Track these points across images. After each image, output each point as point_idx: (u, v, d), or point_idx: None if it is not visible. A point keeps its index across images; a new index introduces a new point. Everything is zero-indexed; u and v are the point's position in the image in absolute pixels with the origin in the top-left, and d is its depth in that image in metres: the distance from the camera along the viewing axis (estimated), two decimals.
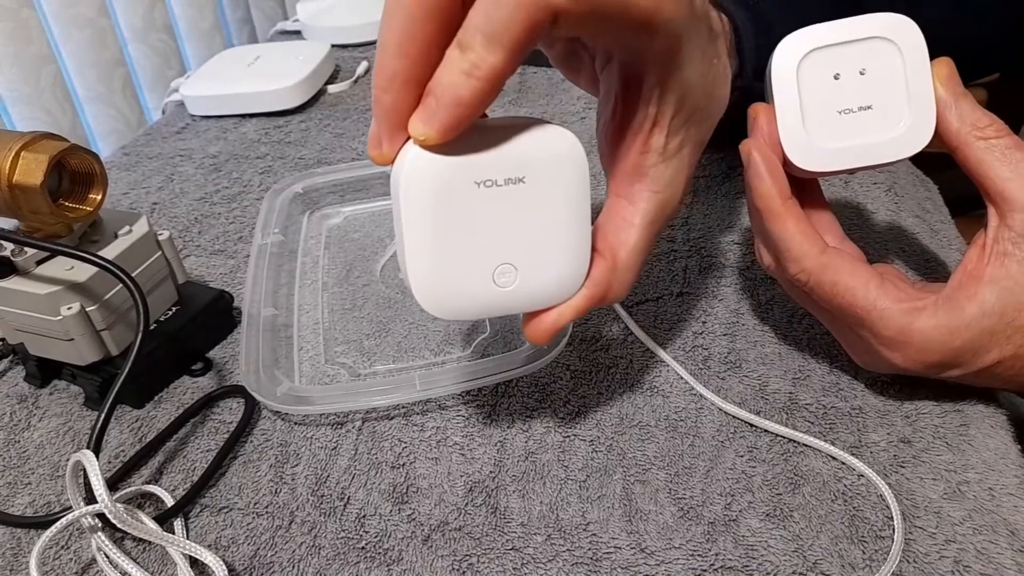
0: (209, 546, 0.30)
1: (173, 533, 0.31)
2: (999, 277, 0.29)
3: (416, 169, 0.24)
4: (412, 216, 0.25)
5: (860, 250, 0.33)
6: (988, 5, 0.46)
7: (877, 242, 0.44)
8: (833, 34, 0.31)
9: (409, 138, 0.24)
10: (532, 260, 0.26)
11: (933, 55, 0.31)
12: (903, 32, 0.31)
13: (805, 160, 0.32)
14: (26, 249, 0.35)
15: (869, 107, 0.31)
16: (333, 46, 0.75)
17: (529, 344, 0.38)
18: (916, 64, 0.31)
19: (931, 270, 0.41)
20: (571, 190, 0.26)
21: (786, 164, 0.32)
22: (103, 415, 0.31)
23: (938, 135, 0.31)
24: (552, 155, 0.25)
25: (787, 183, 0.31)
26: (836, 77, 0.31)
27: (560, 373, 0.37)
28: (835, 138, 0.32)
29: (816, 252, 0.31)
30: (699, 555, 0.29)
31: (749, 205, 0.33)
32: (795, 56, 0.31)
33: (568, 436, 0.34)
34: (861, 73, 0.31)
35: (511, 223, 0.25)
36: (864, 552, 0.29)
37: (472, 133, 0.24)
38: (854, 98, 0.31)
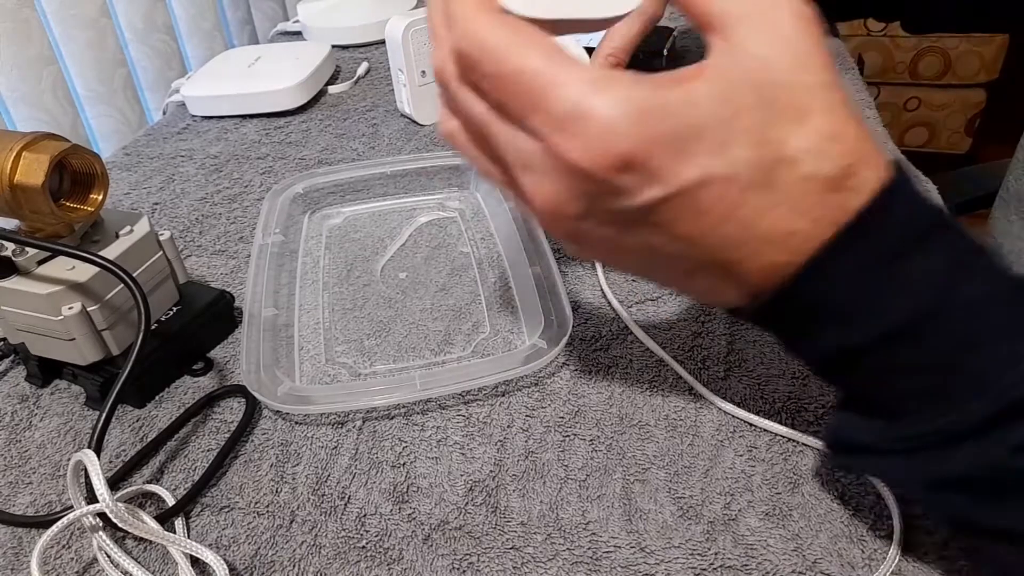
0: (210, 545, 0.30)
1: (174, 532, 0.31)
2: (716, 77, 0.22)
3: None
4: None
5: None
6: None
7: None
8: None
9: None
10: None
11: None
12: None
13: (518, 2, 0.25)
14: (27, 249, 0.35)
15: None
16: (333, 47, 0.75)
17: (529, 344, 0.38)
18: None
19: None
20: None
21: None
22: (104, 415, 0.31)
23: None
24: None
25: None
26: None
27: (560, 373, 0.38)
28: None
29: (487, 9, 0.24)
30: (699, 554, 0.29)
31: None
32: None
33: (568, 436, 0.34)
34: None
35: None
36: (863, 551, 0.29)
37: None
38: None
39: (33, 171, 0.33)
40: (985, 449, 0.22)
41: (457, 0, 0.24)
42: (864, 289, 0.23)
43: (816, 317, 0.24)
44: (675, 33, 0.69)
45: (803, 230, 0.23)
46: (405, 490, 0.33)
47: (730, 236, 0.23)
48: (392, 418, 0.36)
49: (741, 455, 0.33)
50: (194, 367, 0.40)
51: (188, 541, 0.30)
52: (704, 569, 0.29)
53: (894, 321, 0.23)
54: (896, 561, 0.28)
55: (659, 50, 0.66)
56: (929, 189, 0.49)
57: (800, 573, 0.28)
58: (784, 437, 0.33)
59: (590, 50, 0.28)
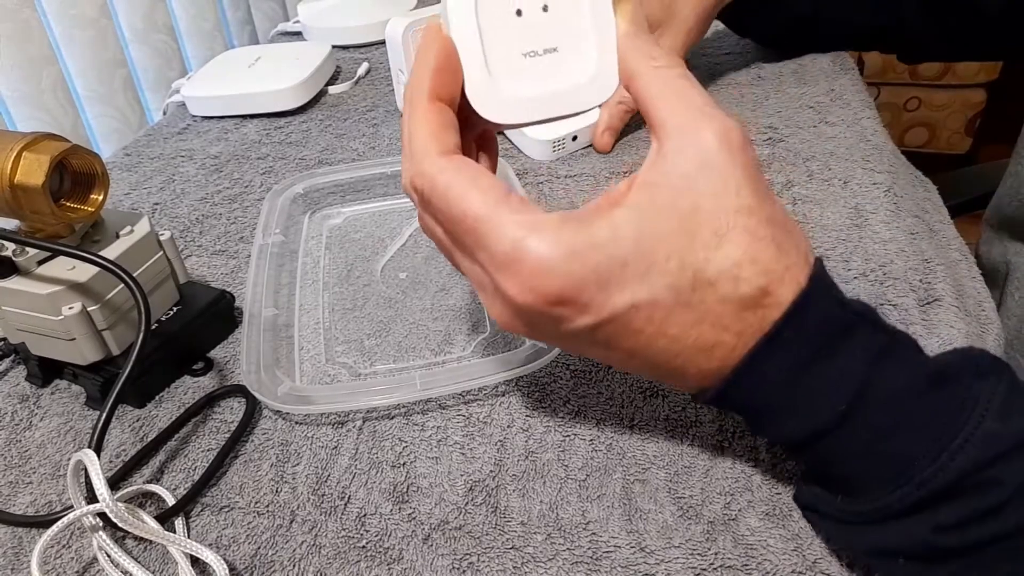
0: (210, 545, 0.30)
1: (174, 532, 0.31)
2: (642, 204, 0.25)
3: None
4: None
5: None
6: None
7: (876, 242, 0.44)
8: None
9: None
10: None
11: None
12: None
13: (491, 109, 0.28)
14: (27, 249, 0.35)
15: (554, 49, 0.28)
16: (334, 47, 0.75)
17: (529, 344, 0.38)
18: (600, 1, 0.28)
19: (930, 270, 0.41)
20: None
21: (468, 111, 0.28)
22: (104, 414, 0.31)
23: (622, 72, 0.28)
24: None
25: (447, 87, 0.27)
26: (519, 13, 0.28)
27: (560, 373, 0.38)
28: (521, 84, 0.28)
29: (437, 152, 0.26)
30: (699, 554, 0.29)
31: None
32: None
33: (568, 435, 0.34)
34: (544, 9, 0.28)
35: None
36: None
37: None
38: (539, 38, 0.28)
39: (33, 171, 0.33)
40: (912, 529, 0.25)
41: (415, 136, 0.27)
42: (788, 392, 0.26)
43: (754, 415, 0.28)
44: None
45: (727, 342, 0.25)
46: (405, 490, 0.33)
47: (665, 348, 0.26)
48: (392, 418, 0.36)
49: (741, 455, 0.33)
50: (194, 367, 0.40)
51: (188, 541, 0.30)
52: (704, 569, 0.29)
53: (819, 420, 0.26)
54: None
55: None
56: (930, 189, 0.49)
57: (800, 573, 0.28)
58: None
59: None
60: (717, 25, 0.76)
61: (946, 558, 0.25)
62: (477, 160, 0.31)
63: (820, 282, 0.26)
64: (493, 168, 0.33)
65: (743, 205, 0.25)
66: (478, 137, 0.31)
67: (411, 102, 0.27)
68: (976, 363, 0.26)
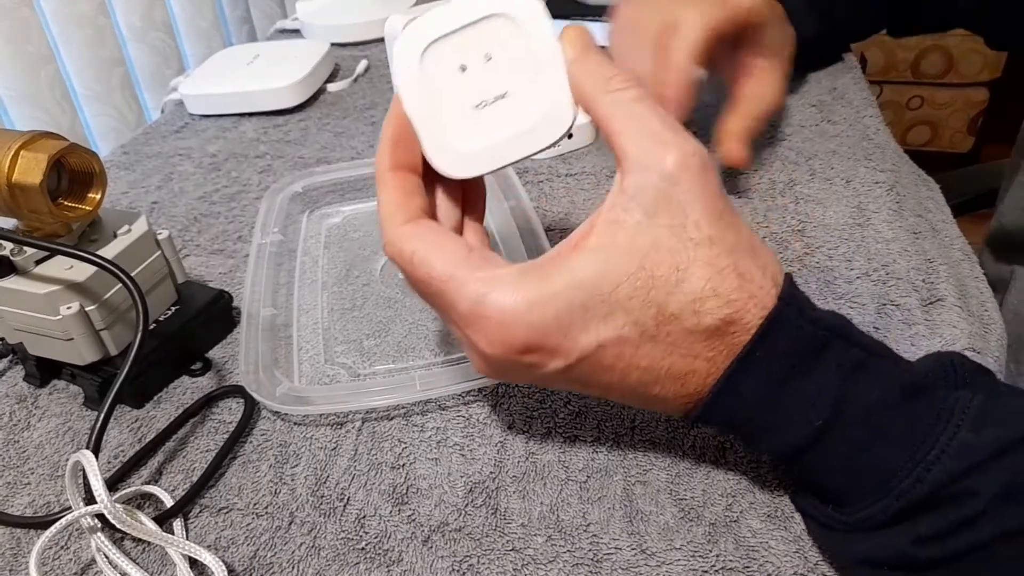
0: (209, 547, 0.30)
1: (172, 533, 0.31)
2: (601, 246, 0.25)
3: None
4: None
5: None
6: None
7: (878, 241, 0.44)
8: (447, 21, 0.28)
9: None
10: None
11: None
12: (520, 3, 0.27)
13: (450, 167, 0.29)
14: (25, 248, 0.35)
15: (504, 95, 0.28)
16: (332, 45, 0.75)
17: None
18: (541, 36, 0.27)
19: (932, 270, 0.41)
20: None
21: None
22: (102, 415, 0.31)
23: (577, 101, 0.28)
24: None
25: (406, 155, 0.29)
26: (463, 69, 0.28)
27: None
28: (477, 138, 0.29)
29: (400, 220, 0.28)
30: (700, 556, 0.29)
31: None
32: (414, 55, 0.28)
33: (569, 437, 0.34)
34: (488, 59, 0.28)
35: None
36: None
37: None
38: (487, 88, 0.28)
39: (31, 170, 0.33)
40: (893, 540, 0.25)
41: (382, 208, 0.28)
42: (766, 410, 0.26)
43: (738, 432, 0.28)
44: None
45: (700, 369, 0.26)
46: (405, 491, 0.33)
47: (640, 380, 0.26)
48: (392, 419, 0.36)
49: (742, 457, 0.32)
50: (192, 367, 0.40)
51: (186, 542, 0.30)
52: (705, 571, 0.28)
53: (799, 435, 0.26)
54: None
55: None
56: (932, 188, 0.49)
57: (802, 575, 0.28)
58: None
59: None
60: None
61: (927, 568, 0.25)
62: (464, 204, 0.32)
63: (789, 302, 0.26)
64: (481, 208, 0.33)
65: (703, 238, 0.25)
66: (464, 188, 0.32)
67: (377, 176, 0.29)
68: (952, 371, 0.27)
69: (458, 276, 0.26)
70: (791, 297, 0.26)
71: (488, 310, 0.25)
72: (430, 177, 0.30)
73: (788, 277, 0.27)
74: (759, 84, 0.47)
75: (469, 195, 0.32)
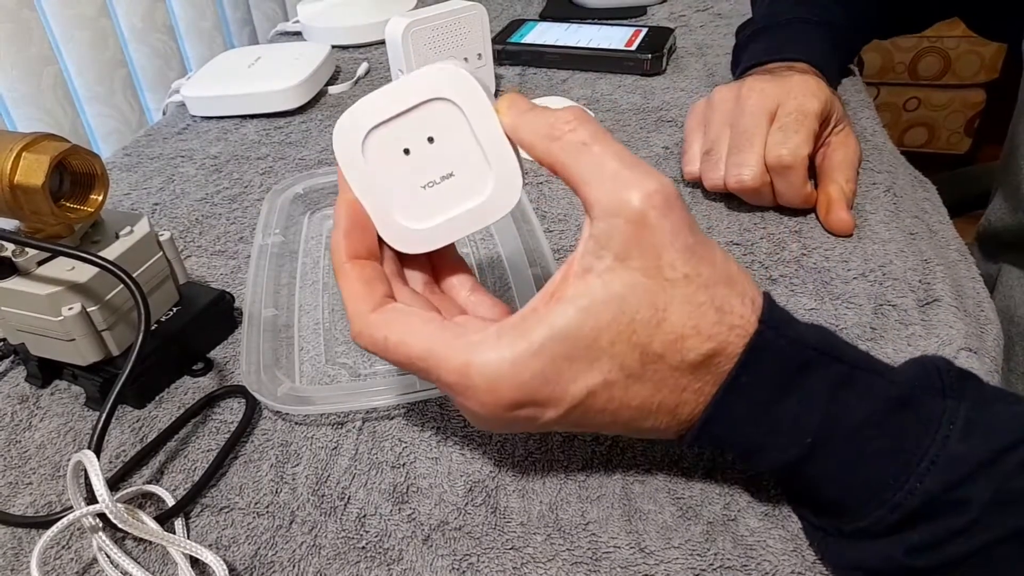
0: (210, 546, 0.30)
1: (174, 533, 0.31)
2: (577, 295, 0.25)
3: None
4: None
5: (502, 305, 0.31)
6: None
7: (875, 242, 0.44)
8: (387, 106, 0.28)
9: None
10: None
11: None
12: (458, 85, 0.27)
13: (406, 245, 0.30)
14: (27, 250, 0.35)
15: (451, 175, 0.29)
16: (333, 47, 0.75)
17: None
18: (479, 113, 0.28)
19: (929, 271, 0.41)
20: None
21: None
22: (104, 415, 0.31)
23: (537, 161, 0.28)
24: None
25: (362, 242, 0.29)
26: (407, 152, 0.28)
27: None
28: (429, 216, 0.29)
29: (366, 311, 0.28)
30: (698, 555, 0.29)
31: None
32: (354, 143, 0.29)
33: (568, 436, 0.34)
34: (430, 140, 0.28)
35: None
36: None
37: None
38: (432, 169, 0.29)
39: (33, 172, 0.33)
40: (887, 550, 0.26)
41: (346, 300, 0.28)
42: (755, 431, 0.27)
43: (733, 452, 0.29)
44: (675, 33, 0.69)
45: (689, 400, 0.27)
46: (405, 490, 0.33)
47: (633, 417, 0.27)
48: (392, 418, 0.36)
49: (738, 461, 0.33)
50: (194, 367, 0.40)
51: (188, 542, 0.30)
52: (704, 569, 0.29)
53: (790, 454, 0.27)
54: None
55: (659, 49, 0.66)
56: (929, 190, 0.49)
57: (799, 574, 0.28)
58: None
59: None
60: (715, 26, 0.77)
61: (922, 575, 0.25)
62: (434, 262, 0.32)
63: (770, 325, 0.26)
64: (454, 257, 0.33)
65: (678, 276, 0.25)
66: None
67: (335, 267, 0.29)
68: (939, 378, 0.27)
69: (436, 351, 0.26)
70: (771, 319, 0.26)
71: (472, 378, 0.26)
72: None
73: (767, 298, 0.27)
74: (842, 149, 0.47)
75: (437, 252, 0.32)
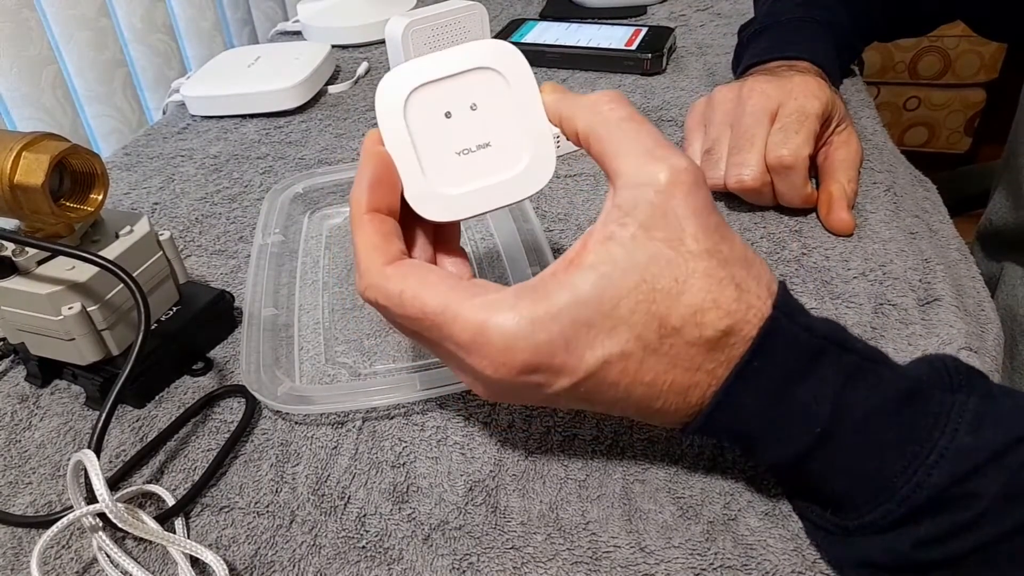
0: (210, 545, 0.30)
1: (174, 532, 0.31)
2: (599, 262, 0.25)
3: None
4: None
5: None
6: None
7: (876, 242, 0.44)
8: (435, 69, 0.29)
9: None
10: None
11: None
12: (506, 60, 0.28)
13: (431, 210, 0.29)
14: (27, 249, 0.35)
15: (488, 144, 0.29)
16: (333, 47, 0.75)
17: None
18: (524, 88, 0.29)
19: (929, 270, 0.41)
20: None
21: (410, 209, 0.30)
22: (104, 415, 0.31)
23: (568, 136, 0.29)
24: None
25: (384, 198, 0.29)
26: (448, 115, 0.29)
27: None
28: (459, 182, 0.29)
29: (382, 262, 0.27)
30: (698, 554, 0.29)
31: None
32: (398, 98, 0.29)
33: (568, 435, 0.34)
34: (472, 108, 0.29)
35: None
36: None
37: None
38: (471, 136, 0.29)
39: (33, 171, 0.33)
40: (894, 544, 0.25)
41: (360, 251, 0.28)
42: (765, 420, 0.27)
43: (740, 443, 0.28)
44: (675, 33, 0.69)
45: (701, 382, 0.26)
46: (405, 490, 0.33)
47: (644, 395, 0.26)
48: (392, 418, 0.36)
49: (741, 455, 0.33)
50: (194, 367, 0.40)
51: (188, 541, 0.30)
52: (704, 569, 0.29)
53: (800, 444, 0.26)
54: None
55: (659, 49, 0.66)
56: (929, 189, 0.49)
57: (800, 573, 0.28)
58: None
59: None
60: (715, 26, 0.77)
61: (928, 570, 0.25)
62: (438, 240, 0.32)
63: (784, 311, 0.26)
64: (457, 239, 0.32)
65: (700, 250, 0.25)
66: (436, 225, 0.32)
67: (353, 219, 0.29)
68: (947, 374, 0.27)
69: (452, 306, 0.26)
70: (786, 306, 0.26)
71: (490, 334, 0.25)
72: (404, 214, 0.30)
73: (782, 285, 0.27)
74: (844, 149, 0.47)
75: (443, 231, 0.32)
